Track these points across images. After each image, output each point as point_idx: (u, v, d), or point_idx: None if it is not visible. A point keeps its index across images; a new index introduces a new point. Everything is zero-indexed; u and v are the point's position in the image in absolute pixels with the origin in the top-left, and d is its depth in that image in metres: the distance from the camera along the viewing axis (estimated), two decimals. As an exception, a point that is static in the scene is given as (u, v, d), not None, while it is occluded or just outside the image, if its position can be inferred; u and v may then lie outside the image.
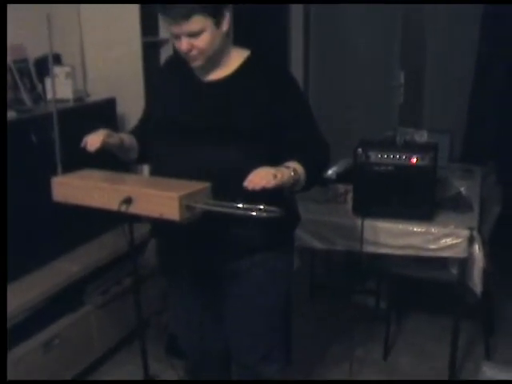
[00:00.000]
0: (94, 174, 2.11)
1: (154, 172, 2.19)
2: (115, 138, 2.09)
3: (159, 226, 2.12)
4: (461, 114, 5.20)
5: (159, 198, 1.81)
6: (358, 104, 5.65)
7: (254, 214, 1.78)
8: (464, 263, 2.97)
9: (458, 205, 3.17)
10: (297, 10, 5.73)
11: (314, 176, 2.09)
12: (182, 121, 2.09)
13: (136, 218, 1.95)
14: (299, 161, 1.99)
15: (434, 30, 5.31)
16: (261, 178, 1.82)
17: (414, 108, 5.48)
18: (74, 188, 2.01)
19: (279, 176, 1.84)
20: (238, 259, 2.14)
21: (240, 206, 1.80)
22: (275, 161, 1.97)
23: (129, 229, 2.02)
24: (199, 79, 2.12)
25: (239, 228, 2.03)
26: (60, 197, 2.05)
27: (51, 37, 2.12)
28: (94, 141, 2.01)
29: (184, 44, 1.98)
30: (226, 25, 2.02)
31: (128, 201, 1.85)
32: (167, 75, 2.25)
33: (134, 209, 1.86)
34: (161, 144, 2.14)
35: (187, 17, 1.91)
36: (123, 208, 1.85)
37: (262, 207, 1.78)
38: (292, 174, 1.92)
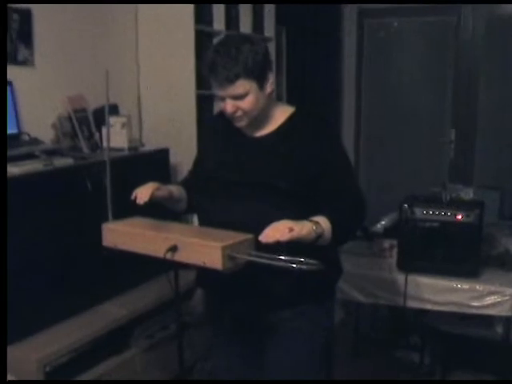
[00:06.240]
0: (143, 221, 2.19)
1: (201, 222, 2.27)
2: (164, 191, 2.17)
3: (203, 275, 2.19)
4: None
5: (203, 247, 1.87)
6: (410, 158, 5.72)
7: (295, 266, 1.81)
8: (509, 322, 2.94)
9: (504, 262, 3.15)
10: (350, 67, 5.88)
11: (344, 231, 2.09)
12: (226, 175, 2.16)
13: (182, 266, 2.01)
14: (328, 215, 1.99)
15: (486, 87, 5.35)
16: (276, 230, 1.84)
17: (464, 164, 5.50)
18: (122, 234, 2.11)
19: (297, 229, 1.85)
20: (278, 310, 2.17)
21: (281, 257, 1.84)
22: (309, 215, 1.99)
23: (174, 276, 2.10)
24: (245, 135, 2.20)
25: (281, 279, 2.06)
26: (109, 242, 2.14)
27: (108, 89, 2.26)
28: (143, 194, 2.09)
29: (229, 106, 2.05)
30: (269, 87, 2.09)
31: (173, 249, 1.92)
32: (214, 130, 2.33)
33: (178, 257, 1.93)
34: (206, 196, 2.21)
35: (232, 81, 1.99)
36: (168, 255, 1.92)
37: (302, 260, 1.81)
38: (314, 227, 1.92)
